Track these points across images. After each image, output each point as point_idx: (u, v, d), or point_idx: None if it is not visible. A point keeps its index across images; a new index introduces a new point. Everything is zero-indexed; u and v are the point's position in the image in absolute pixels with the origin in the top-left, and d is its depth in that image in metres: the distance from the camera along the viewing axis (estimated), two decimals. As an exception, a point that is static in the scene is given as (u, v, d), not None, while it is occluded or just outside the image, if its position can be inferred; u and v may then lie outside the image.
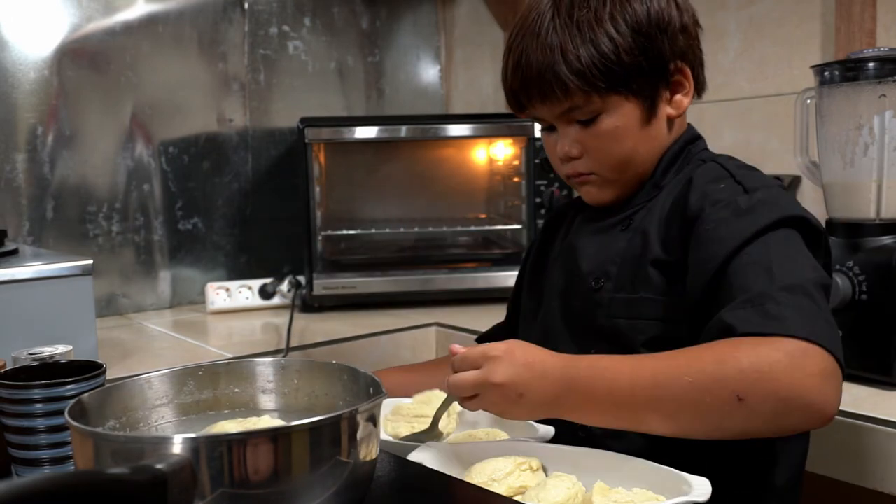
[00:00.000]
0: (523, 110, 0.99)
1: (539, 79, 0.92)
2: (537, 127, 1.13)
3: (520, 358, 0.79)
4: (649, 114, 0.95)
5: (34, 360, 0.86)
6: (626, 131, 0.94)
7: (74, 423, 0.60)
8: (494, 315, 1.27)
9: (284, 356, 1.43)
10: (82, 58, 1.75)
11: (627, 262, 0.93)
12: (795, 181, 1.64)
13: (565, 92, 0.91)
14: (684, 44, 0.95)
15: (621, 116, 0.93)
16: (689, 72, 0.97)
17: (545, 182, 1.77)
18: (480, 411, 0.98)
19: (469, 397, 0.80)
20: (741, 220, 0.83)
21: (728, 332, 0.75)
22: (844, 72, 1.16)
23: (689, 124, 1.04)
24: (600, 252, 0.96)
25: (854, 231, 1.17)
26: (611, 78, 0.91)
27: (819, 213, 1.37)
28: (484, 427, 0.95)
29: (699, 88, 1.00)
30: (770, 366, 0.71)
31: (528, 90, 0.95)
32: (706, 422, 0.74)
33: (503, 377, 0.78)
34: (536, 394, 0.78)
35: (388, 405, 0.96)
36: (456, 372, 0.81)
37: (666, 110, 0.97)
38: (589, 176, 0.98)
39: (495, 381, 0.78)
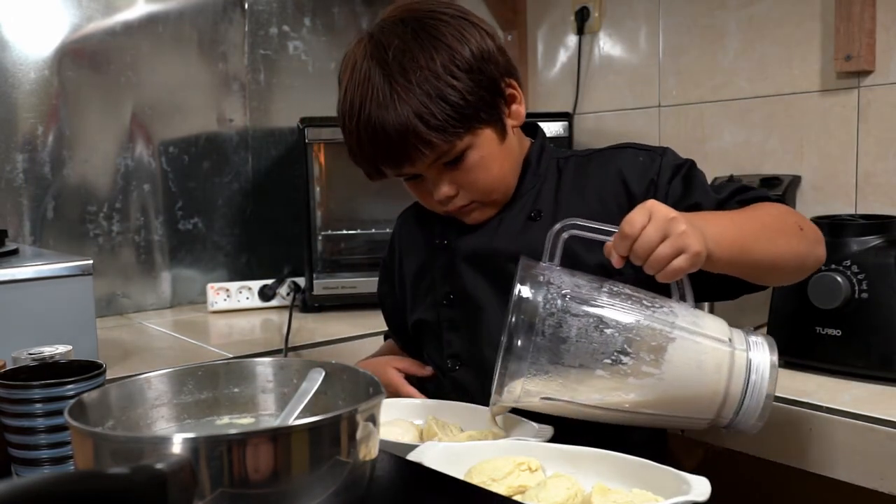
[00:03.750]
0: (384, 175, 1.03)
1: (403, 144, 0.96)
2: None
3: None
4: (502, 133, 1.02)
5: (34, 360, 0.86)
6: (491, 157, 1.01)
7: (74, 423, 0.60)
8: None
9: (284, 356, 1.44)
10: (82, 58, 1.75)
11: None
12: (795, 181, 1.64)
13: (431, 148, 0.97)
14: (504, 62, 1.02)
15: (482, 146, 1.00)
16: (515, 83, 1.04)
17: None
18: (476, 414, 0.98)
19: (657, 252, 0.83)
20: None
21: (762, 199, 0.98)
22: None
23: (534, 125, 1.14)
24: (526, 243, 0.98)
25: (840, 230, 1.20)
26: (466, 120, 0.97)
27: (814, 212, 1.37)
28: (484, 428, 0.95)
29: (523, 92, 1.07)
30: (799, 214, 0.99)
31: (394, 157, 0.99)
32: (789, 244, 0.94)
33: (672, 212, 0.83)
34: (695, 225, 0.84)
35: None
36: (631, 240, 0.83)
37: (510, 123, 1.04)
38: (470, 205, 1.04)
39: (671, 215, 0.83)
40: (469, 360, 1.07)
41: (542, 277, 0.87)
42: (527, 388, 0.86)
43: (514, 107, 1.04)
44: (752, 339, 0.88)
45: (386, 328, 1.28)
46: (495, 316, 1.01)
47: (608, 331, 0.84)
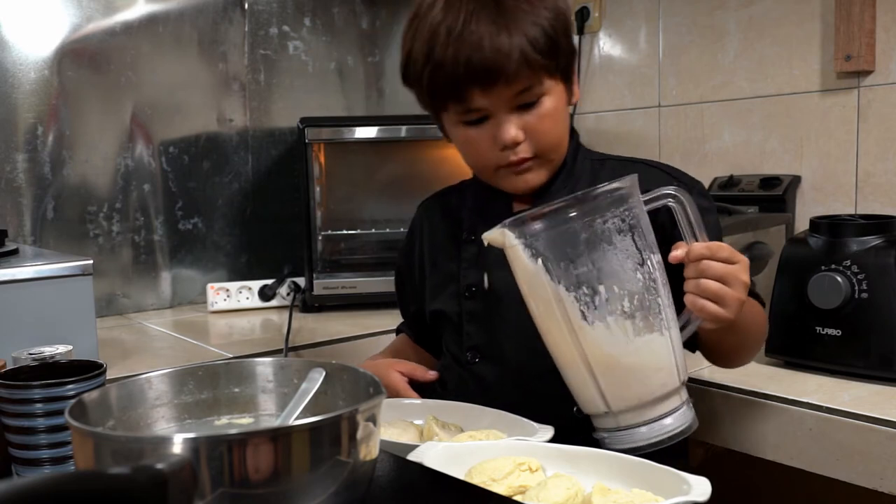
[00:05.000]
0: (464, 102, 0.99)
1: (507, 61, 0.95)
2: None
3: None
4: (569, 97, 1.05)
5: (34, 360, 0.87)
6: (561, 112, 1.03)
7: (74, 423, 0.60)
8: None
9: (284, 356, 1.44)
10: (82, 58, 1.75)
11: None
12: (795, 181, 1.64)
13: (530, 69, 0.96)
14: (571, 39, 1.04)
15: (557, 97, 1.01)
16: (575, 65, 1.06)
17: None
18: (476, 415, 0.98)
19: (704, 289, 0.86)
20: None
21: (755, 297, 1.02)
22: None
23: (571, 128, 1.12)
24: None
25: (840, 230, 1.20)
26: (558, 56, 0.99)
27: (813, 212, 1.37)
28: (484, 427, 0.95)
29: None
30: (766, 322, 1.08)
31: (492, 75, 0.96)
32: (751, 347, 1.05)
33: (748, 280, 0.87)
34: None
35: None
36: (708, 257, 0.85)
37: (573, 94, 1.06)
38: (531, 161, 1.02)
39: (745, 279, 0.87)
40: (489, 353, 1.07)
41: (631, 201, 0.85)
42: (525, 248, 0.86)
43: (574, 85, 1.05)
44: (691, 401, 0.91)
45: (394, 326, 1.28)
46: (518, 311, 1.00)
47: (637, 274, 0.85)
